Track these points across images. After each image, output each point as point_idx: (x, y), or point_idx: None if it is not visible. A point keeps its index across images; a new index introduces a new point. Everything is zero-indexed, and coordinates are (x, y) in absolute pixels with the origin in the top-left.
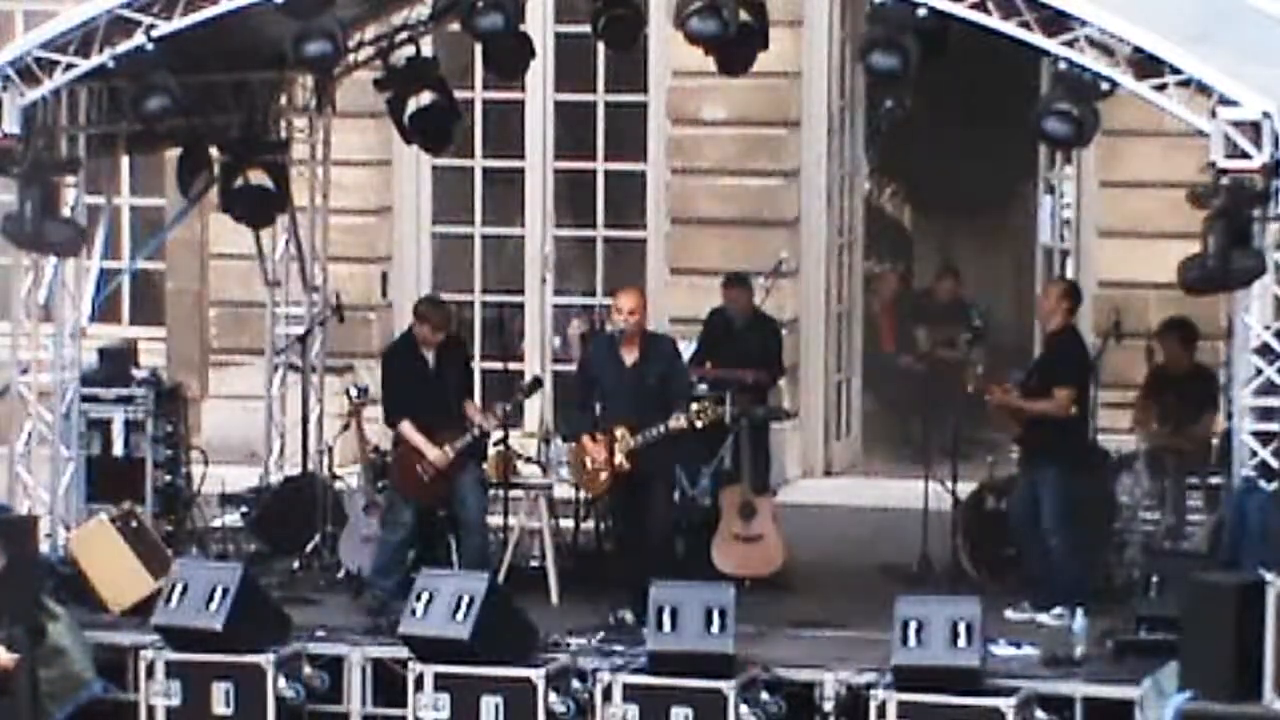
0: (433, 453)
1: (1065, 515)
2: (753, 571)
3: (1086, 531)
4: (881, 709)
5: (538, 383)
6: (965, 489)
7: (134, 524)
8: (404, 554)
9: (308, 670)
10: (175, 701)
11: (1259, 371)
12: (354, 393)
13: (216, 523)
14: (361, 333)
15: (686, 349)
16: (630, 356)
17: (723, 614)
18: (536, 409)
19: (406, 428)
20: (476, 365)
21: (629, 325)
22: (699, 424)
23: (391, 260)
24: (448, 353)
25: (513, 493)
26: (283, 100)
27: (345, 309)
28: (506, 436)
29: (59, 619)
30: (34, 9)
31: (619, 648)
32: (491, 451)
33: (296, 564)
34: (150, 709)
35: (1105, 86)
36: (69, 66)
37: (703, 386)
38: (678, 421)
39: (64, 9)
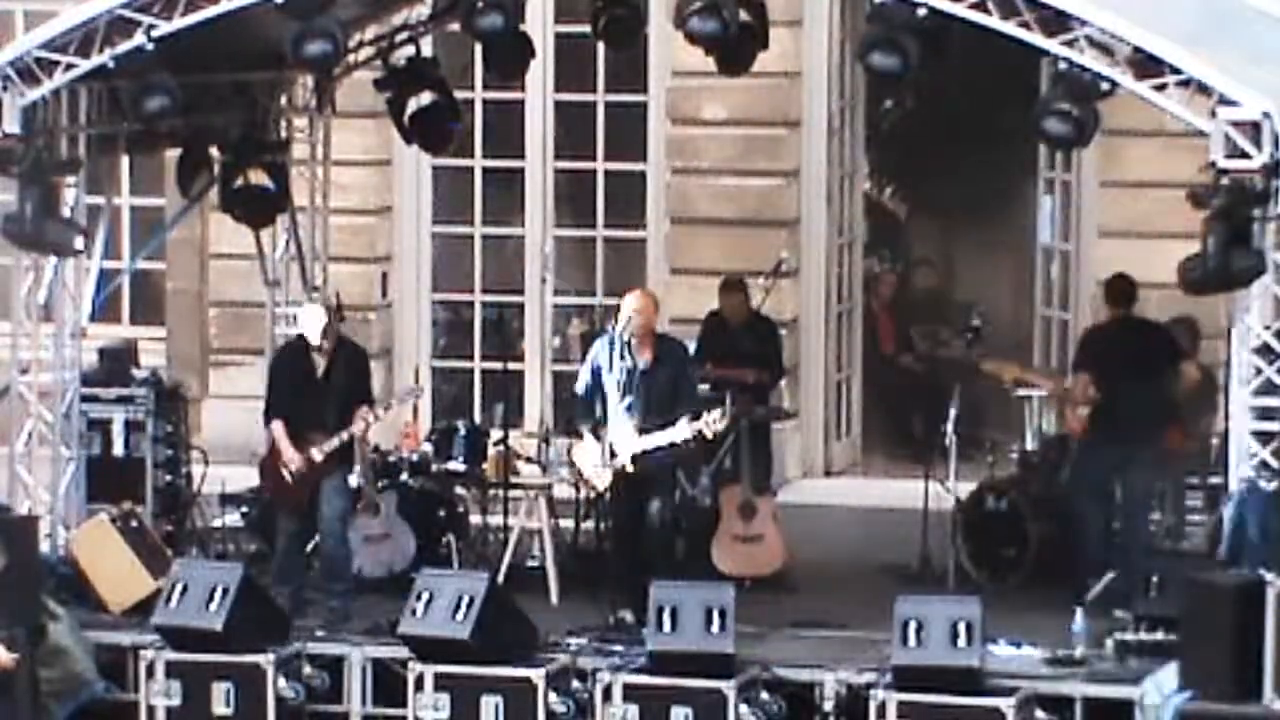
0: (289, 453)
1: (1073, 491)
2: (753, 571)
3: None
4: (881, 709)
5: (414, 391)
6: (965, 489)
7: (134, 524)
8: (294, 560)
9: (308, 670)
10: (175, 701)
11: (1259, 371)
12: None
13: (216, 523)
14: (361, 333)
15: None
16: (642, 358)
17: (723, 614)
18: (536, 409)
19: (276, 428)
20: (476, 365)
21: (637, 326)
22: (708, 434)
23: (391, 260)
24: (339, 357)
25: (513, 493)
26: (283, 100)
27: (345, 309)
28: (506, 436)
29: (60, 619)
30: (34, 9)
31: (619, 648)
32: (491, 451)
33: None
34: (150, 709)
35: (1105, 86)
36: (69, 66)
37: (704, 387)
38: (685, 431)
39: (64, 9)
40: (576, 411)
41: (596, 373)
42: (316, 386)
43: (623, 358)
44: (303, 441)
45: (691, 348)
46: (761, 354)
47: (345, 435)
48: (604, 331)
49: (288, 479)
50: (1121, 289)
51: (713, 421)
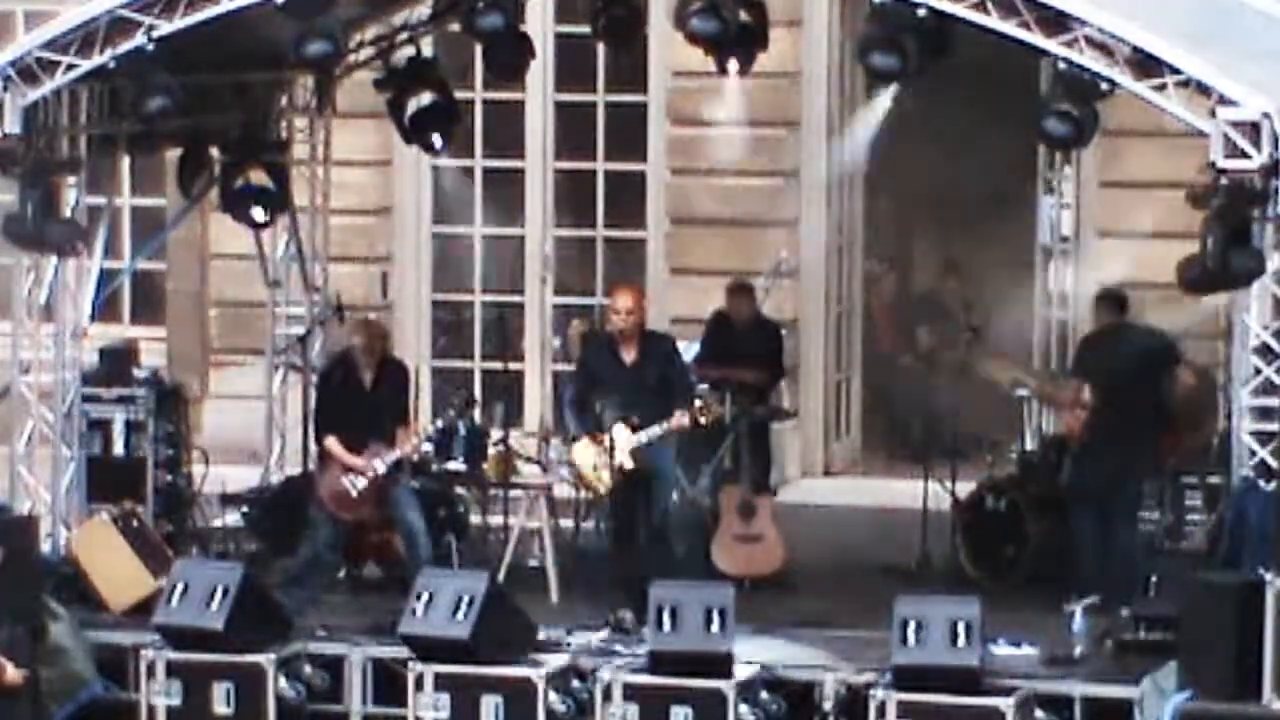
0: (359, 464)
1: (1073, 501)
2: (753, 571)
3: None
4: (881, 709)
5: (471, 402)
6: (965, 489)
7: (134, 524)
8: (319, 568)
9: (308, 670)
10: (175, 701)
11: (1258, 371)
12: None
13: (217, 523)
14: None
15: (689, 350)
16: (629, 355)
17: (723, 614)
18: (536, 409)
19: (332, 444)
20: (476, 365)
21: (627, 325)
22: (702, 420)
23: (391, 260)
24: (386, 373)
25: (513, 493)
26: (283, 100)
27: (345, 309)
28: (507, 436)
29: (60, 619)
30: (34, 9)
31: (619, 648)
32: (491, 451)
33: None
34: (150, 709)
35: (1105, 86)
36: (70, 67)
37: (703, 387)
38: (680, 419)
39: (65, 9)
40: (571, 416)
41: (589, 374)
42: (365, 401)
43: (613, 356)
44: (355, 455)
45: (695, 348)
46: (763, 355)
47: (401, 452)
48: (602, 331)
49: (352, 492)
50: (1115, 300)
51: (706, 407)
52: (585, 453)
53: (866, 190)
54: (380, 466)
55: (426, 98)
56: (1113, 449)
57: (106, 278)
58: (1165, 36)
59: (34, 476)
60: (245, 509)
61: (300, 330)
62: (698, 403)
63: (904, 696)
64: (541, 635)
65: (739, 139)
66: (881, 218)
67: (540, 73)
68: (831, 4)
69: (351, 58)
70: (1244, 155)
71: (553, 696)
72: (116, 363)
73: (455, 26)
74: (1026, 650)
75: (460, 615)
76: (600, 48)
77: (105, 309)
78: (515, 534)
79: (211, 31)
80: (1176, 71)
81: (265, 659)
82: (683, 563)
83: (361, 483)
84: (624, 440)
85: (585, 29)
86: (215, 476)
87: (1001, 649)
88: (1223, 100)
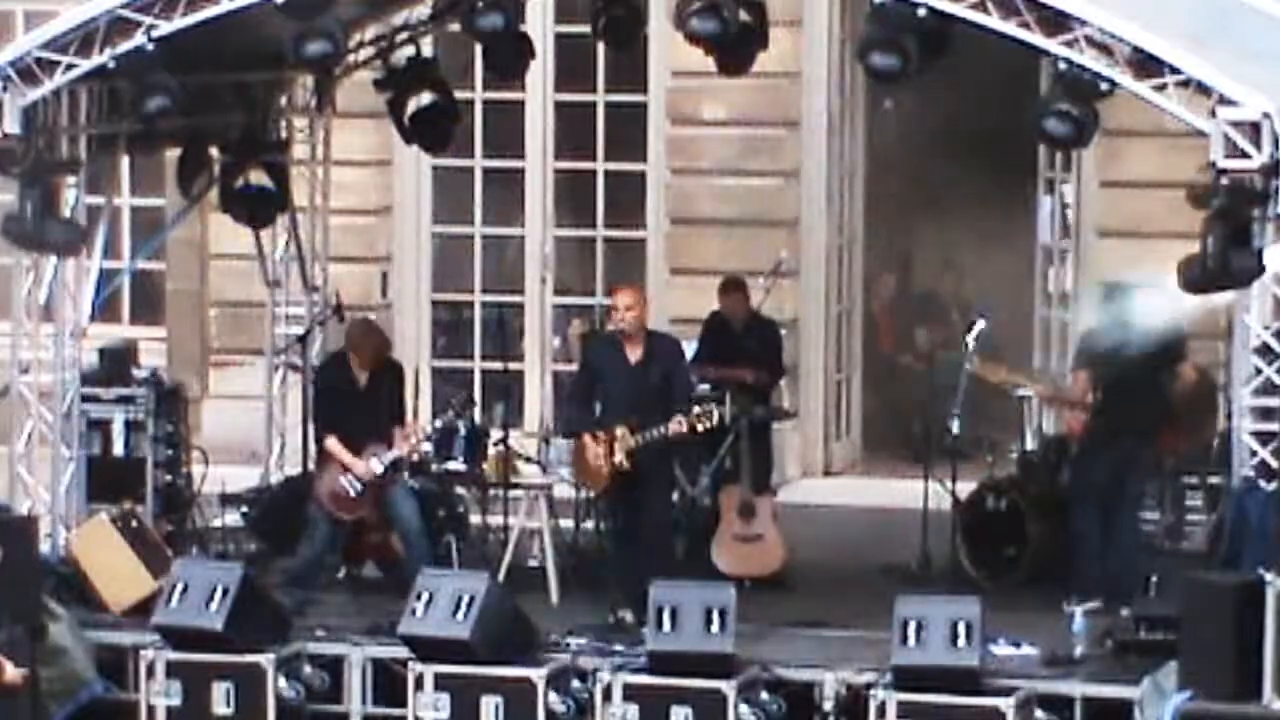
0: (358, 464)
1: (1075, 498)
2: (753, 571)
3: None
4: (881, 709)
5: (470, 401)
6: (965, 489)
7: (134, 524)
8: (319, 568)
9: (308, 670)
10: (175, 701)
11: (1259, 371)
12: None
13: (216, 523)
14: None
15: (687, 350)
16: (634, 355)
17: (723, 614)
18: (536, 409)
19: (332, 443)
20: (476, 365)
21: (629, 323)
22: (699, 428)
23: (391, 260)
24: (382, 374)
25: (513, 493)
26: (283, 100)
27: (345, 309)
28: (506, 436)
29: (60, 619)
30: (34, 9)
31: (619, 648)
32: (491, 451)
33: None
34: (150, 709)
35: (1105, 86)
36: (69, 67)
37: (703, 387)
38: (678, 425)
39: (64, 9)
40: (571, 416)
41: (593, 373)
42: (360, 400)
43: (617, 355)
44: (356, 456)
45: (693, 347)
46: (762, 354)
47: (399, 452)
48: (605, 331)
49: (350, 493)
50: (1117, 292)
51: (704, 415)
52: (587, 451)
53: (866, 190)
54: (378, 467)
55: (426, 98)
56: (1115, 446)
57: (106, 278)
58: (1165, 36)
59: (34, 476)
60: (245, 509)
61: (300, 330)
62: (695, 409)
63: (904, 696)
64: (541, 635)
65: (739, 139)
66: (881, 218)
67: (540, 73)
68: (831, 4)
69: (351, 58)
70: (1244, 155)
71: (553, 696)
72: (116, 363)
73: (455, 26)
74: (1026, 650)
75: (460, 615)
76: (600, 48)
77: (105, 309)
78: (515, 534)
79: (211, 31)
80: (1176, 71)
81: (265, 659)
82: (683, 563)
83: (360, 483)
84: (623, 441)
85: (585, 29)
86: (215, 476)
87: (1001, 649)
88: (1223, 100)
